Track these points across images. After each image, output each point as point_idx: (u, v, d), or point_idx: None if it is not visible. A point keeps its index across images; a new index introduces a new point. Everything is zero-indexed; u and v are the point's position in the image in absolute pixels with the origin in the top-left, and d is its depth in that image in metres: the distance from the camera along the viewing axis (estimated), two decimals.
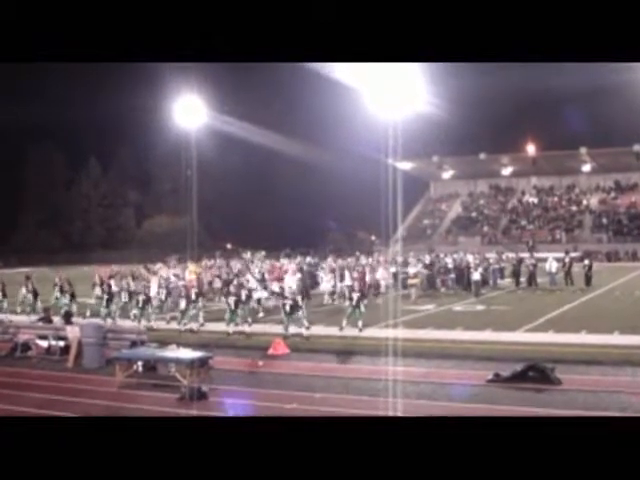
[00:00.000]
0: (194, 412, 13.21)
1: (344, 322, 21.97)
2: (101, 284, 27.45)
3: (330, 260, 35.34)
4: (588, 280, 34.76)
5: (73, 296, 28.02)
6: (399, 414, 11.78)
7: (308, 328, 21.32)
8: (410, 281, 31.68)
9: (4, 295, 28.75)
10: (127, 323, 24.26)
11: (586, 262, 36.35)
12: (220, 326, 23.22)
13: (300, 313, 21.44)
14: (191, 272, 30.05)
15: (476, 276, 32.40)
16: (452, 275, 34.91)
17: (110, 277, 28.79)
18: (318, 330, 22.01)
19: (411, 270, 32.42)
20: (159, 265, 36.04)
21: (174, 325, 24.02)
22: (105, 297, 26.07)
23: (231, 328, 22.02)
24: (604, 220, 71.36)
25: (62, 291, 28.00)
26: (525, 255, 40.19)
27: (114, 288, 26.83)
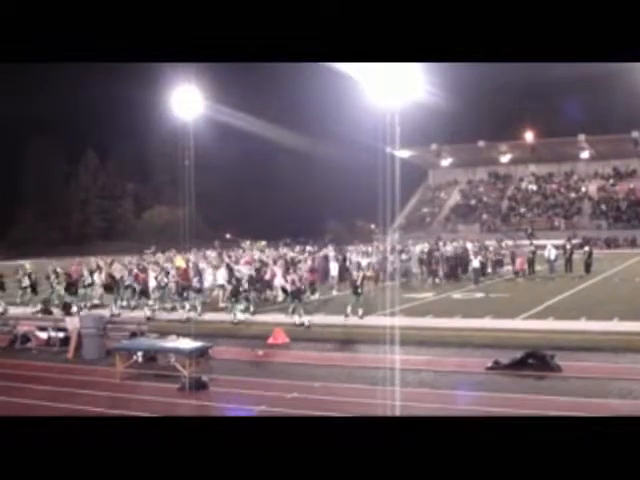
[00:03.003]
0: (194, 402, 13.24)
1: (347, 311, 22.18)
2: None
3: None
4: (588, 267, 34.72)
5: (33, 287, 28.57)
6: (399, 403, 11.78)
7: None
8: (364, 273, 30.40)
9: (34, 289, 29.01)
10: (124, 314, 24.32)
11: (586, 249, 36.32)
12: (219, 316, 23.28)
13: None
14: (178, 262, 30.04)
15: (475, 264, 32.37)
16: (444, 265, 34.33)
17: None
18: (318, 319, 22.03)
19: (363, 262, 30.53)
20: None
21: (174, 316, 24.04)
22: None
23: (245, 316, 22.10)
24: (603, 207, 71.31)
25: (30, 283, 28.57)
26: (524, 242, 40.22)
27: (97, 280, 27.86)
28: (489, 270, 35.71)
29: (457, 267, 34.69)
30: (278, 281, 23.72)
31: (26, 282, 28.71)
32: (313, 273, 28.30)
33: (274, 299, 26.49)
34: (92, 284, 27.55)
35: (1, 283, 28.98)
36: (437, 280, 32.95)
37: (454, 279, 33.37)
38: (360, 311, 21.80)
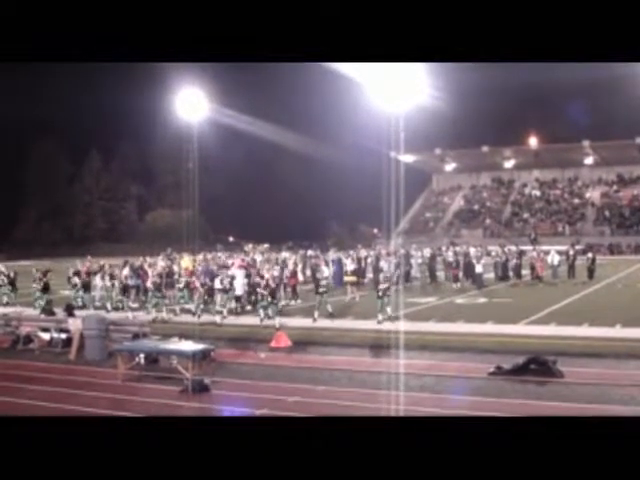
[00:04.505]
0: (196, 405, 13.23)
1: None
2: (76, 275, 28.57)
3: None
4: (591, 273, 34.69)
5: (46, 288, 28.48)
6: (401, 407, 11.78)
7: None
8: (346, 278, 30.01)
9: (13, 286, 29.01)
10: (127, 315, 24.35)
11: (589, 255, 36.25)
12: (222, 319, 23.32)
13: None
14: (185, 263, 30.07)
15: (478, 269, 32.31)
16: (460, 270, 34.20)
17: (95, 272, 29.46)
18: (319, 323, 22.05)
19: (349, 267, 30.47)
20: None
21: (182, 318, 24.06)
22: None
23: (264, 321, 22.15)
24: (606, 213, 71.23)
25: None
26: (528, 248, 40.18)
27: (98, 281, 28.23)
28: (510, 273, 35.80)
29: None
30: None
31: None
32: (294, 277, 28.29)
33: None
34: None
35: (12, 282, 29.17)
36: (459, 285, 32.89)
37: (462, 285, 33.19)
38: (389, 310, 21.89)
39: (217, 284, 24.72)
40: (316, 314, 22.46)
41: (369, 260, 36.78)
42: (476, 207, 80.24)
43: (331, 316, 22.46)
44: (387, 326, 20.66)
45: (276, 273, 24.21)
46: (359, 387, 14.31)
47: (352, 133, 69.87)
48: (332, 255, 36.03)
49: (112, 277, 27.67)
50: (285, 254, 37.75)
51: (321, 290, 23.10)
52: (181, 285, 26.04)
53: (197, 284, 25.13)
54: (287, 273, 27.89)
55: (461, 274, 33.91)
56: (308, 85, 70.94)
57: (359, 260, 34.55)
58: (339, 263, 33.28)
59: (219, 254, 38.71)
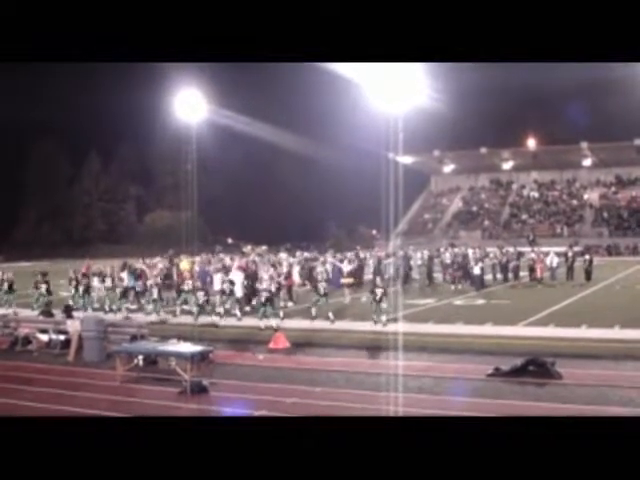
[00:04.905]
0: (195, 406, 13.23)
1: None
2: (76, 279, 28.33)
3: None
4: (588, 275, 34.70)
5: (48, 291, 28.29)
6: (400, 408, 11.77)
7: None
8: (342, 280, 30.07)
9: (11, 289, 28.96)
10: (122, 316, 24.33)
11: (586, 257, 36.27)
12: (221, 320, 23.29)
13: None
14: (184, 265, 30.02)
15: (476, 270, 32.31)
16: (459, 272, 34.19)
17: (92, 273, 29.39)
18: (318, 324, 22.04)
19: (345, 268, 30.65)
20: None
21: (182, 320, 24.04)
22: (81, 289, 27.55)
23: (262, 323, 21.95)
24: (605, 214, 71.27)
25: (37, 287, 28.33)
26: (526, 249, 40.23)
27: (96, 283, 28.00)
28: (509, 275, 35.88)
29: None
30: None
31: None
32: (289, 279, 28.29)
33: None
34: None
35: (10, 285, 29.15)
36: (459, 286, 32.87)
37: (463, 286, 33.19)
38: (383, 319, 21.60)
39: (217, 285, 24.70)
40: (314, 311, 22.44)
41: (370, 262, 36.78)
42: (474, 208, 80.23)
43: (331, 322, 22.25)
44: (386, 327, 20.66)
45: (273, 275, 24.20)
46: (357, 388, 14.30)
47: (351, 134, 69.75)
48: (329, 257, 36.12)
49: (112, 279, 27.60)
50: (282, 255, 37.76)
51: (321, 292, 22.88)
52: (189, 287, 25.78)
53: (198, 284, 25.11)
54: (283, 275, 27.92)
55: (459, 275, 33.92)
56: (307, 86, 70.82)
57: (358, 262, 34.54)
58: (335, 265, 33.26)
59: (221, 255, 38.66)
